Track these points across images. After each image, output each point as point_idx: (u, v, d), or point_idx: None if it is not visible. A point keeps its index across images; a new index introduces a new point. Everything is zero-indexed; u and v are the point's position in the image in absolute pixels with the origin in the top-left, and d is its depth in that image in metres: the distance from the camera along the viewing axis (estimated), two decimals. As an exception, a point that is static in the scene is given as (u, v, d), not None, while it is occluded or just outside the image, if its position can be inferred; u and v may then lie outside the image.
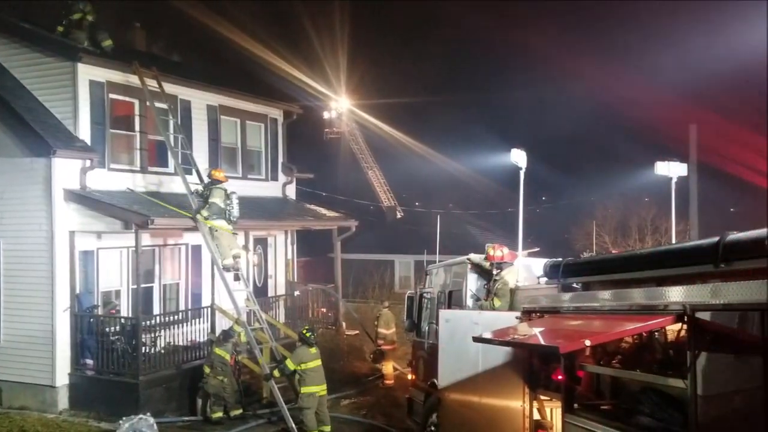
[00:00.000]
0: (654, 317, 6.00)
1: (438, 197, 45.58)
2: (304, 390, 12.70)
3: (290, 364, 12.85)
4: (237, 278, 15.37)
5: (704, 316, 5.51)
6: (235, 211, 15.00)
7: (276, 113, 20.90)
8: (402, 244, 37.08)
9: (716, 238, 5.58)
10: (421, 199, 47.08)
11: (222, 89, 18.93)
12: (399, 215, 44.71)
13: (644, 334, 6.78)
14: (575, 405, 7.50)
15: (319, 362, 12.98)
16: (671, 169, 15.17)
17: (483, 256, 11.31)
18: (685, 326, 5.79)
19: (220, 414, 13.88)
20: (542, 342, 7.08)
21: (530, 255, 13.29)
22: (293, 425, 12.96)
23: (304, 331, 13.13)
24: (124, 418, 12.17)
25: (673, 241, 17.65)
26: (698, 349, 5.54)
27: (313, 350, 13.00)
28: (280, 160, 20.97)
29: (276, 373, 13.28)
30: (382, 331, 17.85)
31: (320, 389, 12.84)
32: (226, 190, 14.93)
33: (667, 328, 6.37)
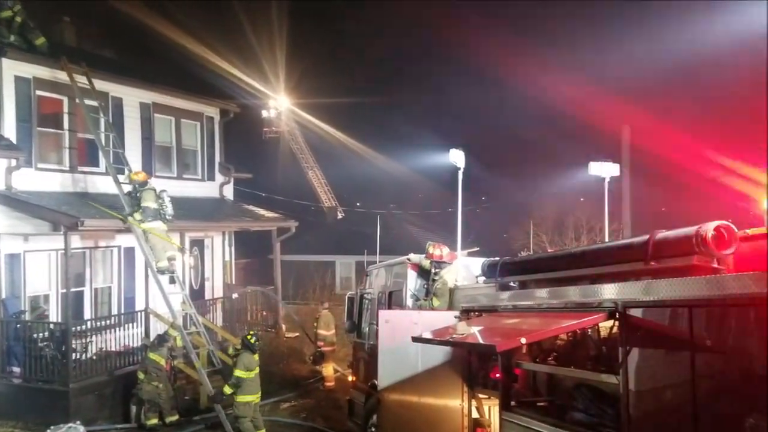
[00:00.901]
0: (587, 315, 6.10)
1: (379, 197, 45.64)
2: (240, 399, 12.35)
3: (241, 374, 12.30)
4: (172, 281, 15.09)
5: (637, 313, 5.63)
6: (170, 210, 14.69)
7: (212, 111, 20.53)
8: (343, 245, 36.94)
9: (646, 236, 5.71)
10: (362, 199, 47.03)
11: (156, 86, 18.49)
12: (340, 216, 44.53)
13: (578, 332, 6.90)
14: (512, 403, 7.58)
15: (257, 370, 12.70)
16: (604, 170, 15.59)
17: (423, 255, 11.34)
18: (616, 323, 5.90)
19: (155, 421, 13.52)
20: (480, 341, 7.12)
21: (470, 255, 13.43)
22: (231, 430, 12.71)
23: (249, 337, 12.70)
24: (52, 427, 11.71)
25: (606, 240, 18.12)
26: (629, 345, 5.66)
27: (256, 357, 12.70)
28: (217, 159, 20.61)
29: (227, 389, 12.48)
30: (322, 332, 17.72)
31: (256, 397, 12.59)
32: (155, 190, 14.62)
33: (600, 325, 6.49)
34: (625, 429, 5.63)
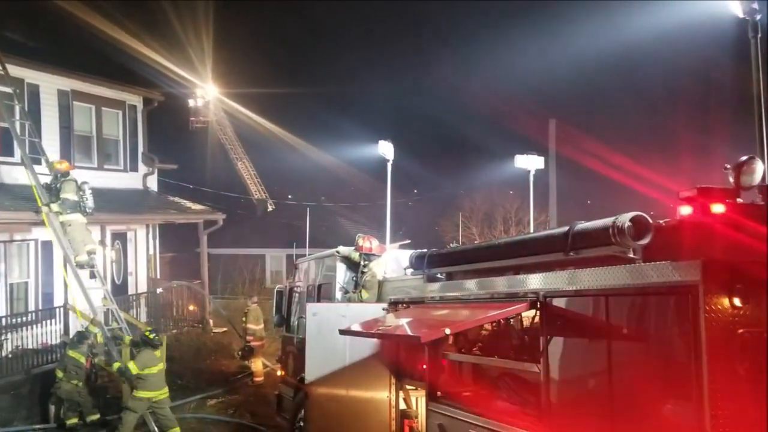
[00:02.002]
0: (510, 304, 6.19)
1: (310, 190, 45.30)
2: (138, 393, 11.97)
3: (133, 368, 11.99)
4: (93, 276, 14.62)
5: (559, 302, 5.74)
6: (90, 202, 14.23)
7: (135, 100, 19.94)
8: (273, 238, 36.50)
9: (566, 228, 5.81)
10: (293, 191, 46.59)
11: (74, 73, 17.87)
12: (270, 208, 43.89)
13: (502, 322, 7.00)
14: (438, 393, 7.63)
15: (162, 366, 12.36)
16: (529, 163, 15.90)
17: (352, 248, 11.28)
18: (538, 313, 6.01)
19: (75, 420, 13.10)
20: (406, 332, 7.13)
21: (401, 247, 13.45)
22: (155, 428, 12.39)
23: (147, 333, 12.43)
24: None
25: (531, 231, 18.52)
26: (550, 334, 5.77)
27: (158, 353, 12.37)
28: (140, 149, 20.03)
29: (115, 368, 12.42)
30: (251, 326, 17.47)
31: (158, 394, 12.16)
32: (76, 181, 14.14)
33: (523, 314, 6.60)
34: (545, 416, 5.74)
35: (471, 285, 7.18)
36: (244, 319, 17.86)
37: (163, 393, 12.25)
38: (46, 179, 14.44)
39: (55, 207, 13.82)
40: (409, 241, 20.59)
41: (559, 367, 5.71)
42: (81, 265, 14.17)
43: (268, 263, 37.63)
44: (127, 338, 13.58)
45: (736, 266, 4.59)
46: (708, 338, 4.43)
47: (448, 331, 6.33)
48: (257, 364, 17.20)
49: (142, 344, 12.31)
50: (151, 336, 12.30)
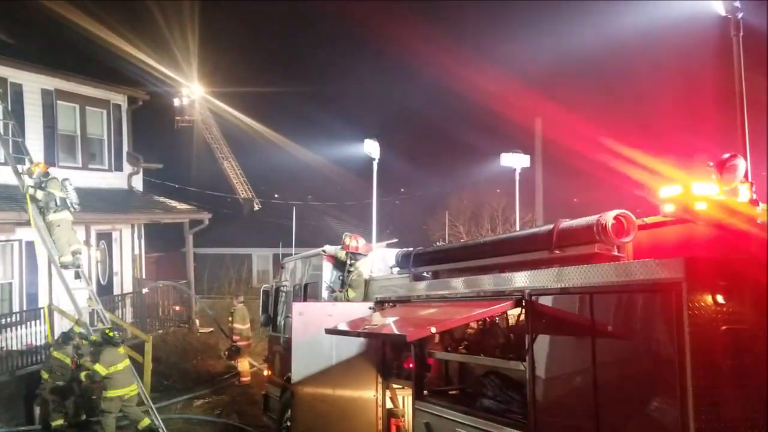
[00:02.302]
0: (495, 303, 6.20)
1: (296, 189, 45.13)
2: (109, 393, 11.98)
3: (101, 370, 11.97)
4: (78, 276, 14.46)
5: (544, 300, 5.75)
6: (74, 198, 14.05)
7: (119, 99, 19.81)
8: (260, 238, 36.33)
9: (550, 226, 5.83)
10: (280, 190, 46.37)
11: (58, 72, 17.74)
12: (256, 207, 43.69)
13: (488, 320, 7.01)
14: (425, 392, 7.63)
15: (127, 362, 12.39)
16: (515, 161, 15.91)
17: (338, 247, 11.27)
18: (523, 311, 6.02)
19: (60, 421, 12.98)
20: (391, 331, 7.12)
21: (388, 246, 13.44)
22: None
23: (108, 331, 12.49)
24: None
25: (517, 230, 18.57)
26: (536, 332, 5.78)
27: (121, 350, 12.42)
28: (125, 149, 19.90)
29: (83, 376, 12.38)
30: (237, 326, 17.41)
31: (128, 390, 12.19)
32: (58, 179, 13.98)
33: (509, 313, 6.61)
34: (531, 414, 5.75)
35: (457, 283, 7.18)
36: (230, 318, 17.81)
37: (132, 390, 12.27)
38: (30, 181, 14.30)
39: (39, 196, 13.71)
40: (396, 240, 20.56)
41: (545, 364, 5.72)
42: (66, 266, 14.04)
43: (255, 263, 37.48)
44: (77, 328, 13.49)
45: (718, 263, 4.62)
46: (691, 335, 4.44)
47: (434, 329, 6.32)
48: (243, 364, 17.15)
49: (104, 343, 12.32)
50: (112, 334, 12.37)
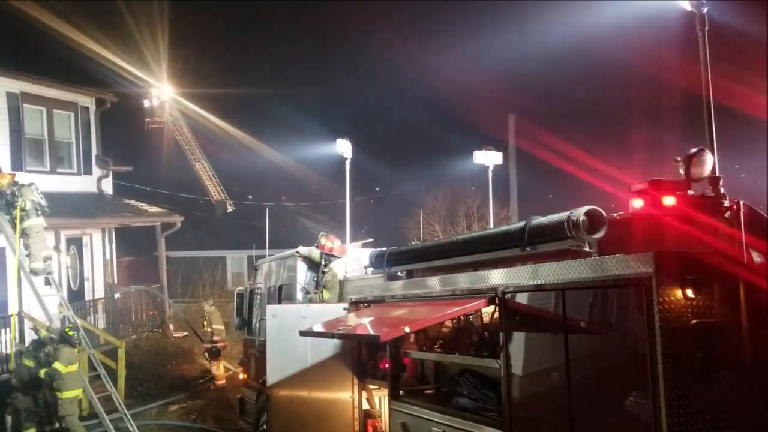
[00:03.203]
0: (469, 301, 6.19)
1: (269, 190, 44.77)
2: (66, 395, 11.88)
3: (60, 368, 11.88)
4: (48, 282, 14.24)
5: (519, 298, 5.75)
6: (43, 202, 13.84)
7: (87, 101, 19.48)
8: (234, 240, 35.96)
9: (522, 223, 5.83)
10: (253, 191, 45.98)
11: (23, 75, 17.43)
12: (230, 209, 43.24)
13: (462, 319, 7.00)
14: (401, 392, 7.61)
15: (77, 364, 12.31)
16: (488, 158, 15.91)
17: (313, 247, 11.19)
18: (497, 309, 6.02)
19: (33, 430, 12.70)
20: (366, 332, 7.09)
21: (364, 246, 13.36)
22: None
23: (68, 330, 12.40)
24: None
25: (491, 227, 18.58)
26: (509, 329, 5.78)
27: (77, 350, 12.38)
28: (94, 152, 19.58)
29: (42, 374, 12.09)
30: (216, 327, 17.19)
31: (80, 392, 12.19)
32: (25, 184, 13.76)
33: (483, 311, 6.61)
34: (506, 411, 5.75)
35: (430, 283, 7.16)
36: (204, 322, 17.59)
37: (80, 392, 12.17)
38: None
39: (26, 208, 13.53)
40: (371, 240, 20.48)
41: (520, 361, 5.72)
42: (36, 272, 13.85)
43: (229, 265, 37.06)
44: (43, 333, 13.26)
45: (687, 257, 4.65)
46: (662, 329, 4.47)
47: (407, 329, 6.30)
48: (219, 368, 16.98)
49: (60, 341, 12.20)
50: (71, 333, 12.28)
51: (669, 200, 4.87)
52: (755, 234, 4.87)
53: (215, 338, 17.17)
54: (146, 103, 40.85)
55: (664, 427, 4.42)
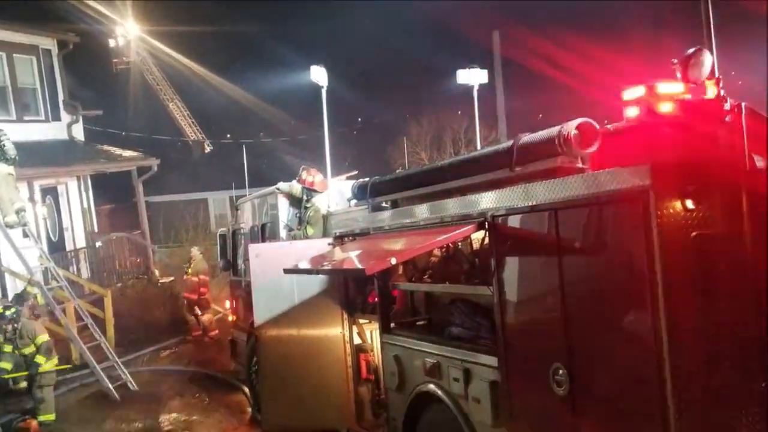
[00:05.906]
0: (456, 228, 5.92)
1: (247, 127, 43.79)
2: (47, 366, 11.22)
3: (42, 360, 11.20)
4: (26, 234, 13.89)
5: (509, 221, 5.47)
6: (11, 149, 13.15)
7: (49, 43, 18.64)
8: (214, 180, 35.30)
9: (510, 142, 5.50)
10: (230, 130, 44.99)
11: (-24, 19, 16.46)
12: (208, 149, 42.38)
13: (450, 246, 6.75)
14: (392, 325, 7.44)
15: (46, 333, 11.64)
16: (472, 77, 15.33)
17: (293, 182, 10.85)
18: (487, 234, 5.76)
19: (24, 384, 12.54)
20: (351, 266, 6.84)
21: (348, 179, 13.00)
22: (110, 385, 12.07)
23: (28, 290, 12.37)
24: None
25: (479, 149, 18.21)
26: (500, 255, 5.53)
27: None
28: (61, 97, 18.87)
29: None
30: (203, 277, 16.62)
31: (56, 360, 11.51)
32: None
33: (473, 237, 6.35)
34: (500, 338, 5.56)
35: (416, 211, 6.87)
36: (189, 271, 16.98)
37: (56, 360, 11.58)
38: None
39: None
40: (356, 172, 20.10)
41: (513, 287, 5.49)
42: (10, 226, 13.42)
43: (212, 207, 36.58)
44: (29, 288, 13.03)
45: (686, 167, 4.36)
46: (661, 243, 4.23)
47: (393, 261, 6.04)
48: (209, 317, 16.56)
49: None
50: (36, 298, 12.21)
51: (665, 107, 4.53)
52: (757, 138, 4.57)
53: (202, 289, 16.60)
54: (112, 43, 38.80)
55: (665, 346, 4.23)
